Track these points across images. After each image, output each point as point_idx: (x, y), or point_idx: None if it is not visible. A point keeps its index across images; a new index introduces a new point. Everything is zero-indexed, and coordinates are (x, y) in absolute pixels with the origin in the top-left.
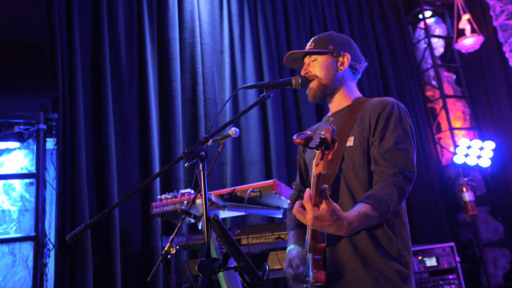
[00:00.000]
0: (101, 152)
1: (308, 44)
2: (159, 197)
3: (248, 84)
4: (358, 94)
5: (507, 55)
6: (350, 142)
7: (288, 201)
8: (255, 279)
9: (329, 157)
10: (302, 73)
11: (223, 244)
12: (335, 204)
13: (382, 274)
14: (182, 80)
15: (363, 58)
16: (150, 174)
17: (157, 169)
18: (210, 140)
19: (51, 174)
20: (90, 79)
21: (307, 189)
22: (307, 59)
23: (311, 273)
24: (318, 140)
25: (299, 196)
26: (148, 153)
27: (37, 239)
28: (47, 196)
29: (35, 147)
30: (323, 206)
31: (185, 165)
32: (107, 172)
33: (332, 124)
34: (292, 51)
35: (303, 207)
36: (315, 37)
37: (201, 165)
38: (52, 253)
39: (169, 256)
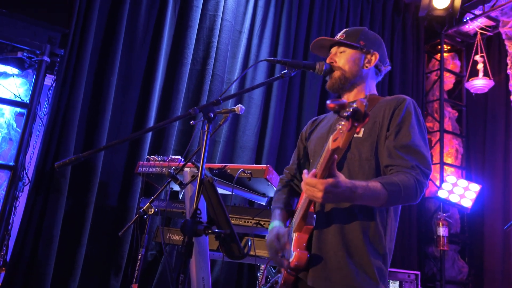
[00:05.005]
0: (98, 100)
1: (339, 34)
2: (147, 157)
3: (272, 58)
4: (375, 92)
5: None
6: (359, 133)
7: (278, 184)
8: (237, 250)
9: (357, 130)
10: (328, 61)
11: (211, 209)
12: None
13: (364, 269)
14: (195, 51)
15: (388, 62)
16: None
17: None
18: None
19: (43, 109)
20: (104, 26)
21: (313, 170)
22: (334, 49)
23: (292, 252)
24: (350, 110)
25: (291, 180)
26: (145, 113)
27: (15, 170)
28: (34, 130)
29: (33, 78)
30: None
31: (190, 122)
32: (101, 121)
33: (366, 98)
34: (323, 37)
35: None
36: (348, 28)
37: (207, 125)
38: (26, 189)
39: (145, 216)
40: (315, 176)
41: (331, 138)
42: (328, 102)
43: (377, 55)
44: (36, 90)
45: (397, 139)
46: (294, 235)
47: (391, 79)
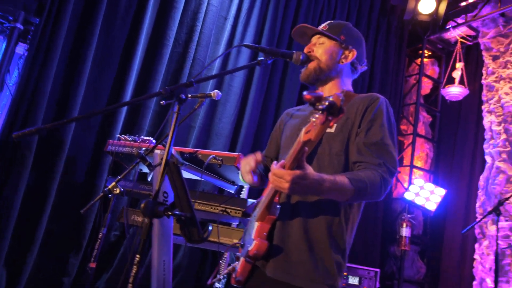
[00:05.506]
0: (72, 74)
1: (323, 25)
2: (118, 136)
3: (249, 44)
4: (350, 89)
5: (483, 114)
6: (332, 128)
7: None
8: (196, 234)
9: (331, 124)
10: (306, 50)
11: (174, 191)
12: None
13: (324, 264)
14: (177, 33)
15: (365, 62)
16: (116, 112)
17: (124, 110)
18: (189, 96)
19: (12, 78)
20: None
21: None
22: (315, 39)
23: (253, 241)
24: (326, 103)
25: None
26: (120, 93)
27: None
28: (1, 99)
29: (4, 44)
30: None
31: (161, 102)
32: (73, 96)
33: (343, 93)
34: (305, 25)
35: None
36: (332, 21)
37: (177, 107)
38: None
39: (110, 195)
40: (283, 167)
41: (303, 130)
42: (304, 93)
43: (355, 53)
44: (5, 58)
45: (367, 136)
46: (256, 224)
47: (371, 79)
